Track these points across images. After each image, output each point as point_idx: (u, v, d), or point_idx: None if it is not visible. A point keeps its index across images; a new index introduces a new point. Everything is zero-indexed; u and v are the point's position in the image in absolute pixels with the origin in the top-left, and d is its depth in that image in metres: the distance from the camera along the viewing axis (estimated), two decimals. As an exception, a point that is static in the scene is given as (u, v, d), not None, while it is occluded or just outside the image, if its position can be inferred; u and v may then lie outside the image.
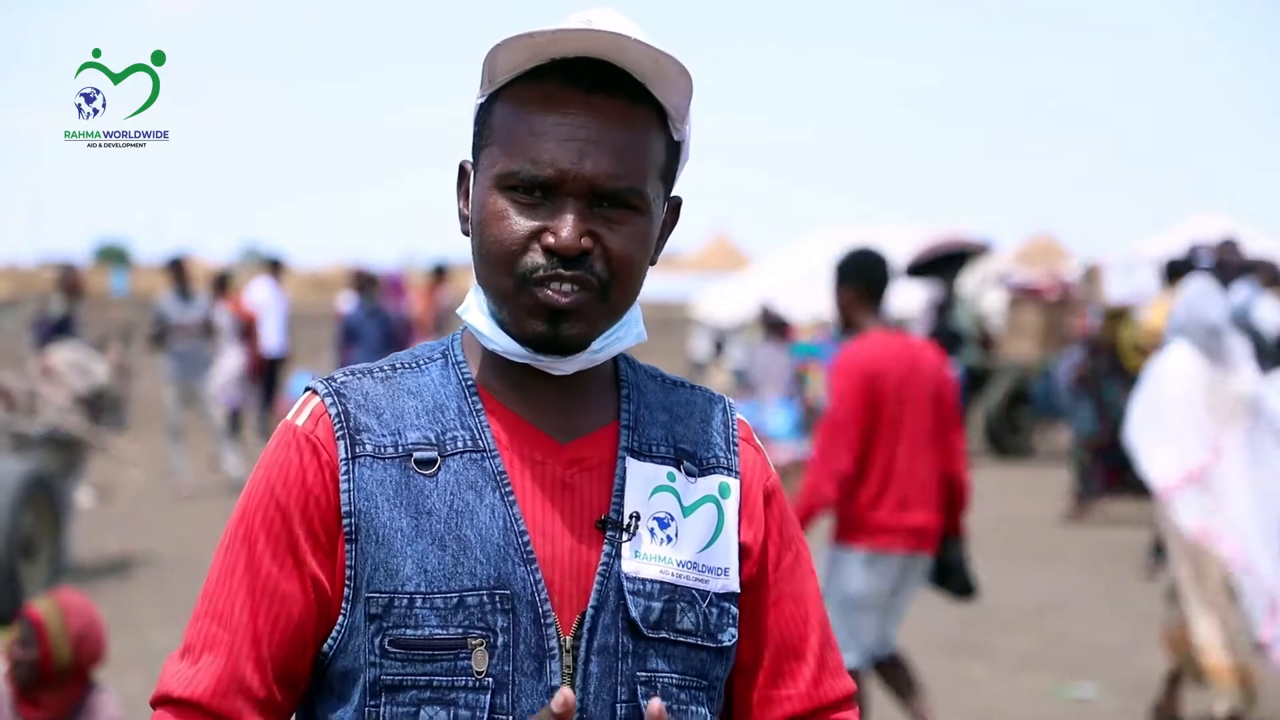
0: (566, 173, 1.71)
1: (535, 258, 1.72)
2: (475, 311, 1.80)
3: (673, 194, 1.85)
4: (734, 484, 1.85)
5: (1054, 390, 15.14)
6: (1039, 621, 8.85)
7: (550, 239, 1.71)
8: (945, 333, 17.11)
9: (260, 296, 15.78)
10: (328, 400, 1.78)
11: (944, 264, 17.98)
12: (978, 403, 16.53)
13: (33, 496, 8.43)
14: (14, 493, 8.23)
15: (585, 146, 1.71)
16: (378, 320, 14.45)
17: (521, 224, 1.73)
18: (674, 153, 1.80)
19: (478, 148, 1.79)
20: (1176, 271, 12.00)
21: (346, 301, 16.88)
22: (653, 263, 1.82)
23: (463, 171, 1.83)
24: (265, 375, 15.52)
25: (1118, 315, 13.22)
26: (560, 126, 1.72)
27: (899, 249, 19.35)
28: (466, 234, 1.80)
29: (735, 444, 1.88)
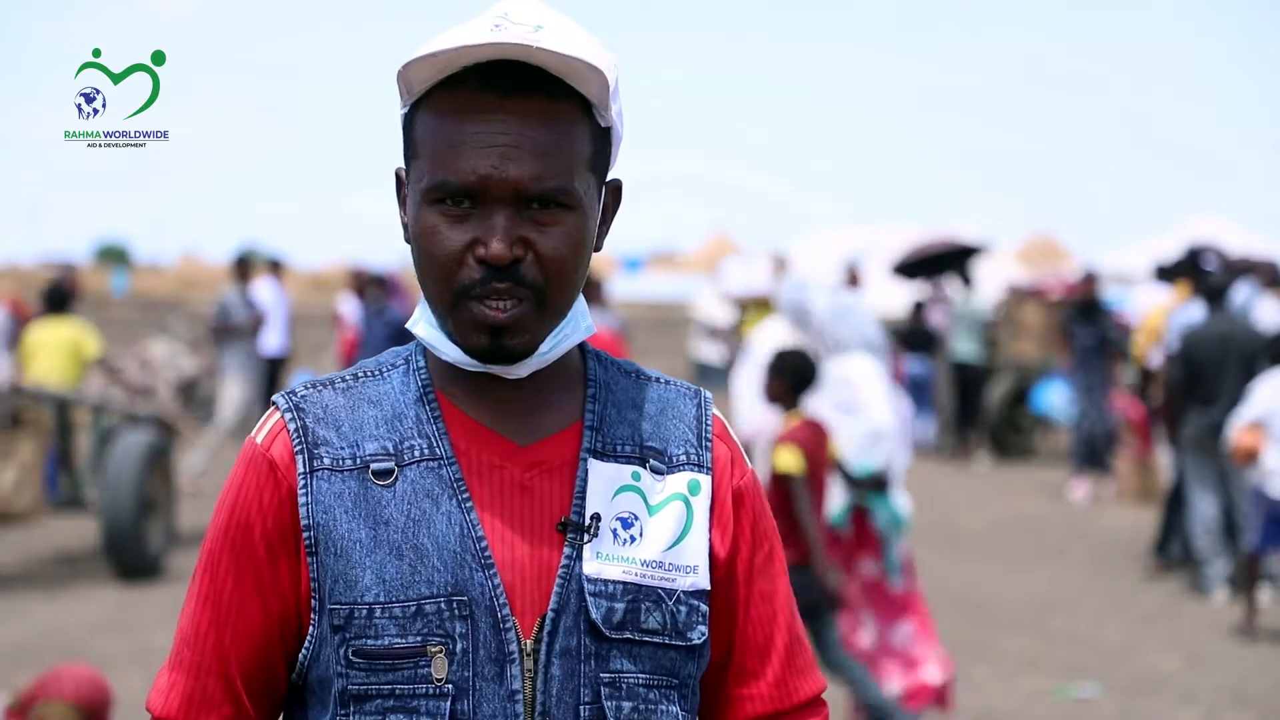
0: (489, 179, 1.70)
1: (470, 272, 1.71)
2: (424, 325, 1.80)
3: (611, 177, 1.82)
4: (705, 481, 1.83)
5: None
6: (1039, 621, 8.85)
7: (481, 250, 1.70)
8: (922, 332, 17.14)
9: (262, 297, 15.76)
10: (287, 416, 1.78)
11: (936, 264, 17.99)
12: (976, 401, 16.53)
13: (155, 464, 9.61)
14: (140, 460, 9.41)
15: (506, 151, 1.70)
16: (381, 321, 14.45)
17: (453, 238, 1.72)
18: (603, 139, 1.78)
19: (408, 159, 1.78)
20: (1178, 272, 12.02)
21: (345, 302, 16.86)
22: (597, 249, 1.80)
23: (399, 179, 1.82)
24: (266, 375, 15.51)
25: (751, 307, 13.67)
26: (479, 134, 1.71)
27: (897, 250, 19.39)
28: (408, 243, 1.78)
29: (709, 440, 1.86)
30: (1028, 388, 16.47)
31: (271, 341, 15.46)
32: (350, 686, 1.72)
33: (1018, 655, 8.01)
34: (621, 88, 1.80)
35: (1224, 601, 9.38)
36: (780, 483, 5.98)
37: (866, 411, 6.70)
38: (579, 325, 1.81)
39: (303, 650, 1.76)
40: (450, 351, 1.77)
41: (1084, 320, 13.60)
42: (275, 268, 16.58)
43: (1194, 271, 11.36)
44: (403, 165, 1.80)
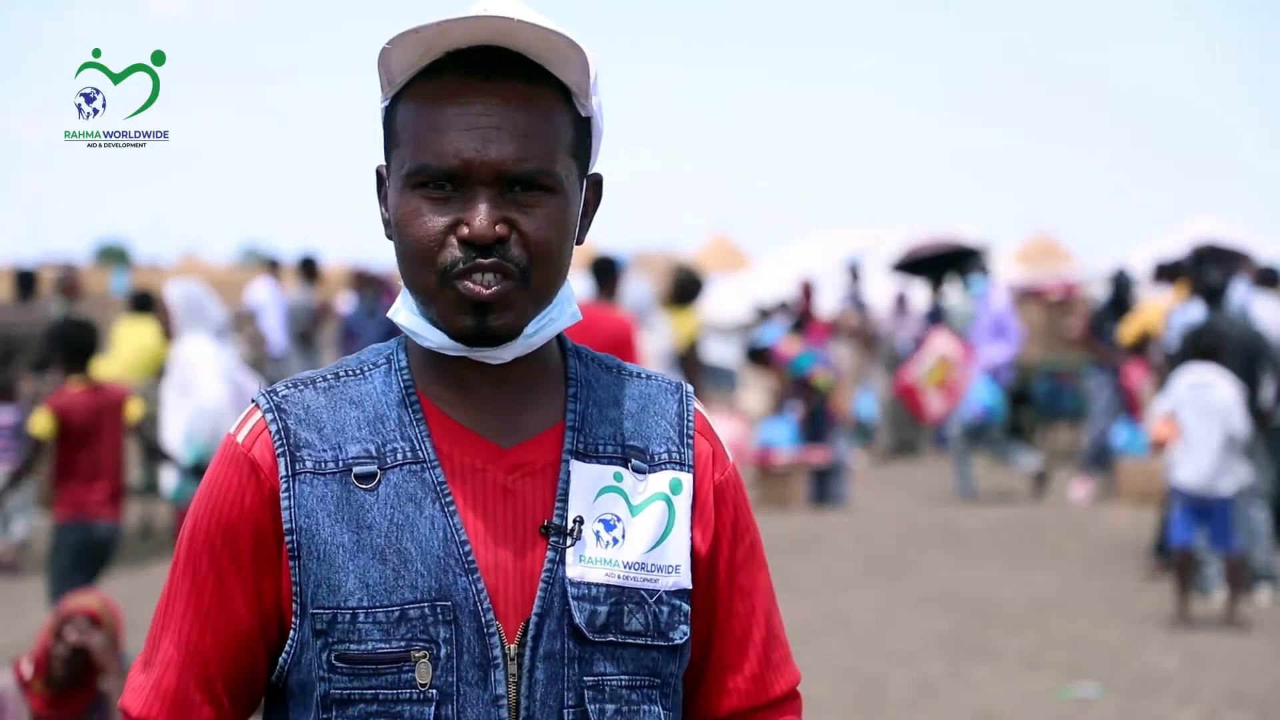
0: (471, 161, 1.71)
1: (453, 252, 1.72)
2: (405, 313, 1.80)
3: (592, 172, 1.83)
4: (686, 479, 1.83)
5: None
6: (1039, 621, 8.84)
7: (464, 230, 1.71)
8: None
9: (260, 296, 15.77)
10: (268, 416, 1.77)
11: (933, 264, 17.98)
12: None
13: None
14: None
15: (488, 133, 1.71)
16: (374, 321, 14.46)
17: (435, 220, 1.72)
18: (584, 129, 1.79)
19: (388, 151, 1.79)
20: (1177, 272, 12.01)
21: (346, 301, 16.88)
22: (578, 242, 1.81)
23: (380, 177, 1.82)
24: (263, 376, 15.52)
25: None
26: (461, 117, 1.71)
27: (897, 250, 19.39)
28: (390, 238, 1.79)
29: (690, 437, 1.86)
30: (1027, 388, 16.45)
31: (270, 341, 15.46)
32: (333, 691, 1.72)
33: (1018, 655, 8.01)
34: (604, 85, 1.81)
35: (1223, 601, 9.38)
36: (30, 442, 7.15)
37: (197, 390, 7.76)
38: (564, 311, 1.81)
39: (283, 654, 1.75)
40: (433, 338, 1.77)
41: (1115, 318, 13.56)
42: (274, 267, 16.60)
43: (1195, 271, 11.36)
44: (383, 162, 1.81)
